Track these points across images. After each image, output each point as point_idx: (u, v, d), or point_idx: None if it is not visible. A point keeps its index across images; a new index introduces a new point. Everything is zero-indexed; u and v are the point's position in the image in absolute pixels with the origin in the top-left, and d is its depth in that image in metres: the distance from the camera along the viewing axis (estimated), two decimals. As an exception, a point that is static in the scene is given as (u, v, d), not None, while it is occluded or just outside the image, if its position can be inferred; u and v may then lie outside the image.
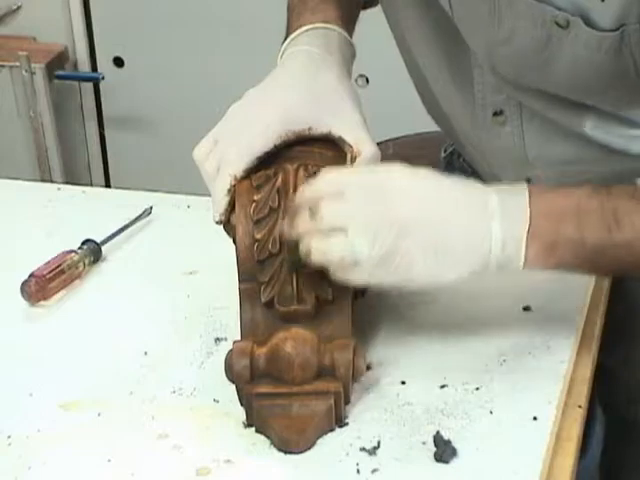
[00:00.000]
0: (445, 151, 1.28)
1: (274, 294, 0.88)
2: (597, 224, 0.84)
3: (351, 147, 0.92)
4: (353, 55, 1.03)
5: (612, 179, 0.90)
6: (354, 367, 0.86)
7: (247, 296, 0.89)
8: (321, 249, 0.83)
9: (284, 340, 0.86)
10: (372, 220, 0.82)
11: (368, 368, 0.89)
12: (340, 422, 0.86)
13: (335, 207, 0.83)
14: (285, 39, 1.03)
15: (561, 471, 0.85)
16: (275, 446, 0.84)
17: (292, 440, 0.84)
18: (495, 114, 1.06)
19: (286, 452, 0.84)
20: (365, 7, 1.15)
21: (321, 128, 0.92)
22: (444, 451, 0.82)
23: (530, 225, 0.84)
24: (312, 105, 0.93)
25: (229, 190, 0.91)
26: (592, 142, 1.02)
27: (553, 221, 0.85)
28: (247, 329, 0.89)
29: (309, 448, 0.84)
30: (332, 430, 0.85)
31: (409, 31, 1.07)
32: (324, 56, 0.98)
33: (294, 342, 0.85)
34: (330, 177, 0.86)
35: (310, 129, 0.92)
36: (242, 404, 0.87)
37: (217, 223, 0.93)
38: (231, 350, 0.87)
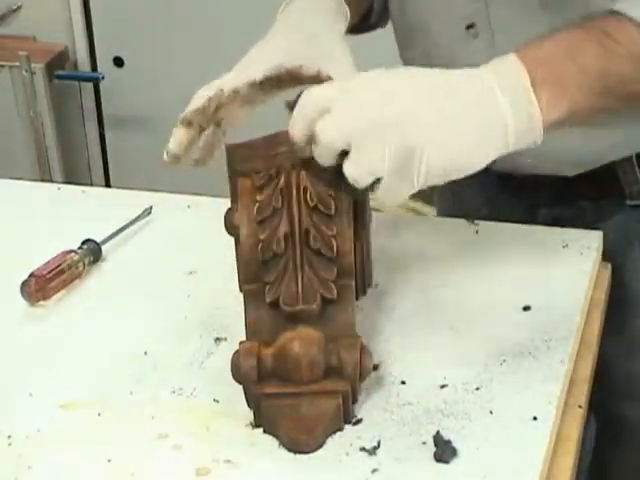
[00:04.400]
0: None
1: (279, 294, 0.88)
2: (592, 48, 0.84)
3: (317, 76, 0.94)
4: (341, 9, 1.02)
5: None
6: (361, 366, 0.86)
7: (252, 296, 0.89)
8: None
9: (291, 340, 0.86)
10: (375, 130, 0.81)
11: (375, 367, 0.89)
12: (349, 421, 0.86)
13: (330, 128, 0.82)
14: None
15: (561, 471, 0.85)
16: (284, 447, 0.84)
17: (301, 440, 0.84)
18: (468, 27, 1.07)
19: (296, 452, 0.84)
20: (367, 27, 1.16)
21: (312, 67, 0.93)
22: (444, 451, 0.82)
23: (530, 78, 0.83)
24: (305, 46, 0.95)
25: (209, 100, 0.92)
26: None
27: (550, 65, 0.84)
28: (252, 330, 0.89)
29: (319, 448, 0.84)
30: (341, 429, 0.86)
31: None
32: (317, 7, 1.00)
33: (301, 342, 0.85)
34: (316, 95, 0.84)
35: (301, 67, 0.93)
36: (249, 405, 0.87)
37: (168, 157, 0.95)
38: (237, 351, 0.87)
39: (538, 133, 0.85)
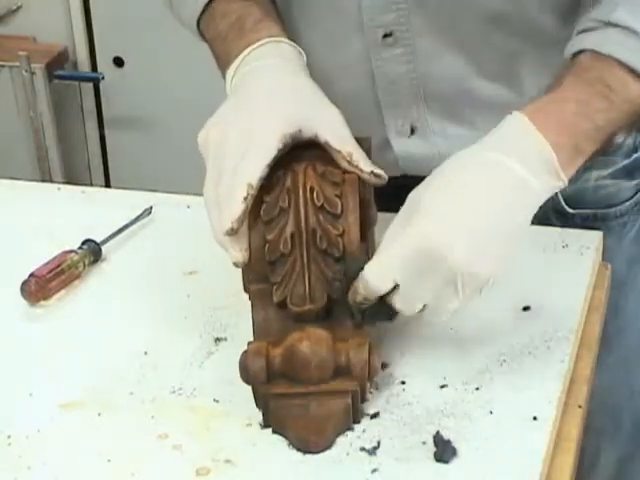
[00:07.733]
0: None
1: (286, 294, 0.88)
2: (597, 102, 0.89)
3: (339, 152, 0.91)
4: (305, 64, 1.01)
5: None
6: (370, 366, 0.86)
7: (259, 297, 0.89)
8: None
9: (299, 340, 0.85)
10: (440, 276, 0.85)
11: (383, 367, 0.89)
12: (358, 421, 0.86)
13: (406, 300, 0.87)
14: (223, 64, 1.02)
15: (561, 471, 0.85)
16: (294, 446, 0.84)
17: (311, 440, 0.84)
18: (385, 36, 1.06)
19: (305, 452, 0.84)
20: None
21: (308, 131, 0.91)
22: (444, 451, 0.82)
23: (552, 146, 0.87)
24: (301, 108, 0.92)
25: (245, 198, 0.88)
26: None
27: (567, 128, 0.88)
28: (260, 330, 0.89)
29: (328, 448, 0.84)
30: (351, 429, 0.86)
31: None
32: (286, 64, 0.97)
33: (310, 342, 0.85)
34: (376, 273, 0.86)
35: (300, 131, 0.91)
36: (258, 405, 0.87)
37: (228, 232, 0.88)
38: (245, 351, 0.87)
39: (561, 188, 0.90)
